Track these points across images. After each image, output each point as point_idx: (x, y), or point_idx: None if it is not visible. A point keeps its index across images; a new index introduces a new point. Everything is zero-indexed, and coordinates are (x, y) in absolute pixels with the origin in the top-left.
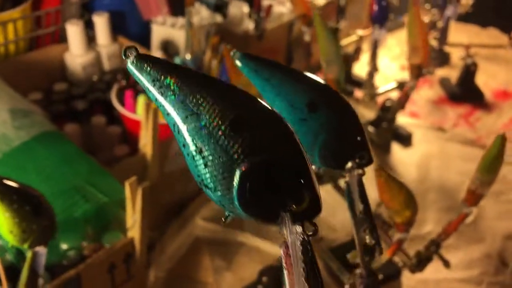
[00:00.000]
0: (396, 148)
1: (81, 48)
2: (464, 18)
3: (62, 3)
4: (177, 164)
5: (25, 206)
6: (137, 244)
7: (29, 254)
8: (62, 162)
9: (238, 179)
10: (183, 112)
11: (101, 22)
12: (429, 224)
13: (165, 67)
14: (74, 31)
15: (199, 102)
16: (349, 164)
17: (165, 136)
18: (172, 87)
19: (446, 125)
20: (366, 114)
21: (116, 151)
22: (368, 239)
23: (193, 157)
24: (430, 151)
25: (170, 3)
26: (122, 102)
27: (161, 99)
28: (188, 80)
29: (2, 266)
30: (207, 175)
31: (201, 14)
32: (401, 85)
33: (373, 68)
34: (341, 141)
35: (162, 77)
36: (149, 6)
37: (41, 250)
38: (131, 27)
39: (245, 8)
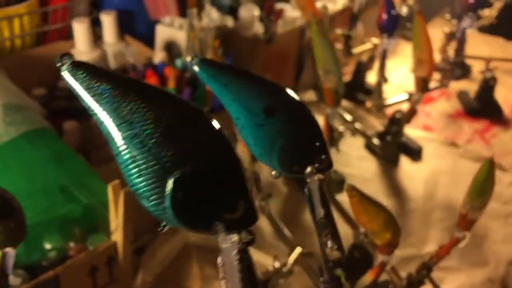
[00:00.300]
0: (404, 162)
1: (87, 46)
2: (489, 30)
3: (69, 0)
4: None
5: None
6: (120, 247)
7: None
8: (49, 161)
9: (170, 188)
10: (116, 120)
11: (108, 20)
12: (431, 244)
13: (98, 75)
14: (80, 28)
15: (132, 110)
16: (308, 169)
17: None
18: (105, 95)
19: (460, 140)
20: (376, 125)
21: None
22: (330, 244)
23: (126, 166)
24: (440, 167)
25: (179, 4)
26: None
27: (95, 107)
28: (122, 87)
29: None
30: (141, 185)
31: (211, 16)
32: (412, 97)
33: (382, 78)
34: (299, 146)
35: (96, 85)
36: (158, 6)
37: (10, 251)
38: (138, 27)
39: (256, 11)
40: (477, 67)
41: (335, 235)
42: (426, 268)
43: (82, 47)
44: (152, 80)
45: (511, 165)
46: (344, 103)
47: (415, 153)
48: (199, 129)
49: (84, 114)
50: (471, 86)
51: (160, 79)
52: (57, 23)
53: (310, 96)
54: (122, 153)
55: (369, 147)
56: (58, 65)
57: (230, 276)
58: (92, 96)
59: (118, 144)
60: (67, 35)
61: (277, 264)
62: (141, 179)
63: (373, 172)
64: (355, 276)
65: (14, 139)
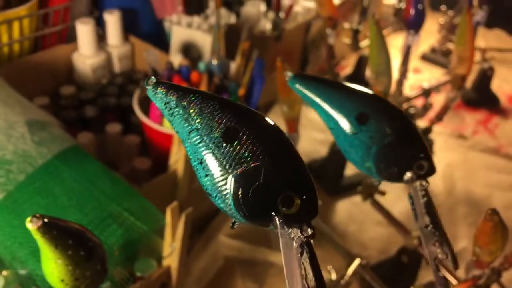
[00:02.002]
0: None
1: (91, 49)
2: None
3: (71, 0)
4: None
5: (80, 252)
6: (174, 273)
7: None
8: (91, 183)
9: (231, 187)
10: (186, 128)
11: (112, 20)
12: (462, 240)
13: (173, 91)
14: (85, 30)
15: (196, 117)
16: (408, 175)
17: None
18: (176, 108)
19: (466, 132)
20: None
21: (137, 164)
22: (439, 253)
23: (197, 169)
24: (453, 161)
25: (184, 1)
26: (144, 111)
27: (171, 119)
28: (187, 98)
29: None
30: (208, 184)
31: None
32: (426, 92)
33: (403, 75)
34: (395, 152)
35: (170, 101)
36: (164, 4)
37: None
38: (142, 26)
39: (262, 7)
40: None
41: (444, 244)
42: (496, 273)
43: (86, 50)
44: None
45: None
46: None
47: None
48: (257, 131)
49: (95, 123)
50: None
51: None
52: (57, 25)
53: None
54: (192, 158)
55: None
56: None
57: (287, 270)
58: (169, 110)
59: (189, 150)
60: (68, 37)
61: (334, 276)
62: (208, 179)
63: None
64: (402, 282)
65: (50, 161)
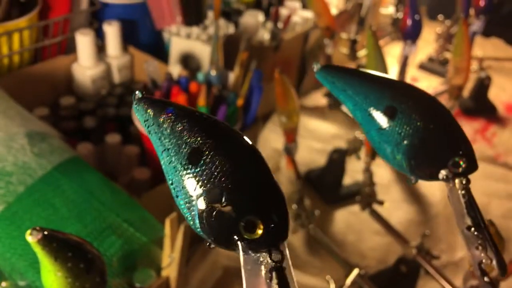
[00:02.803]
0: None
1: (91, 60)
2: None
3: (71, 11)
4: None
5: (79, 264)
6: (173, 283)
7: None
8: (89, 194)
9: (196, 209)
10: (159, 147)
11: (112, 31)
12: (460, 250)
13: (152, 108)
14: (84, 41)
15: (167, 137)
16: (443, 173)
17: None
18: (152, 126)
19: None
20: None
21: (136, 175)
22: (484, 257)
23: (170, 189)
24: None
25: (183, 11)
26: None
27: (149, 136)
28: (162, 115)
29: None
30: (180, 205)
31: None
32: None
33: None
34: (427, 148)
35: (148, 118)
36: (163, 15)
37: None
38: (142, 36)
39: (261, 17)
40: None
41: (489, 248)
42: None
43: (85, 61)
44: (180, 98)
45: None
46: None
47: None
48: (224, 151)
49: (95, 134)
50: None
51: (188, 97)
52: (57, 36)
53: (313, 101)
54: (166, 176)
55: None
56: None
57: None
58: (147, 128)
59: (163, 169)
60: (67, 48)
61: (332, 286)
62: (179, 200)
63: (389, 178)
64: None
65: (49, 172)
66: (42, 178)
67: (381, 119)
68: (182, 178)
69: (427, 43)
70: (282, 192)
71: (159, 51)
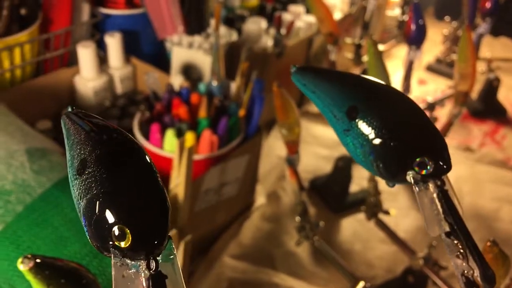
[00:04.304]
0: None
1: (93, 72)
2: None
3: (72, 23)
4: (205, 202)
5: None
6: None
7: None
8: None
9: (82, 218)
10: (67, 161)
11: (113, 43)
12: None
13: (70, 122)
14: (86, 53)
15: (69, 149)
16: (410, 175)
17: (197, 174)
18: (67, 140)
19: (473, 144)
20: None
21: None
22: (466, 267)
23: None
24: (460, 174)
25: (185, 21)
26: (145, 134)
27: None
28: (71, 130)
29: None
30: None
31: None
32: (431, 106)
33: (406, 90)
34: (390, 148)
35: (65, 133)
36: (164, 25)
37: None
38: (144, 47)
39: (263, 24)
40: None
41: (470, 257)
42: None
43: (87, 73)
44: (181, 110)
45: None
46: None
47: None
48: (104, 162)
49: None
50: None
51: (189, 108)
52: (58, 49)
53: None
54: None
55: None
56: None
57: None
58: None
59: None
60: (69, 60)
61: None
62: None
63: (397, 185)
64: None
65: (49, 190)
66: (41, 196)
67: (345, 120)
68: (73, 188)
69: (435, 44)
70: (159, 201)
71: (162, 60)
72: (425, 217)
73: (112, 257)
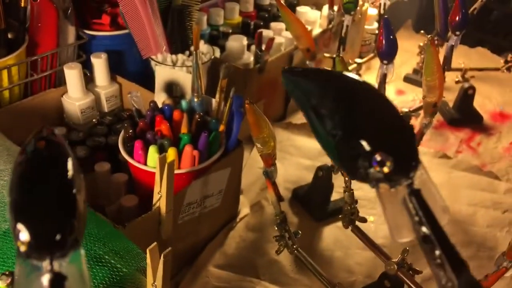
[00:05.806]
0: None
1: (79, 91)
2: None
3: (58, 45)
4: (189, 214)
5: None
6: None
7: None
8: None
9: None
10: None
11: (99, 63)
12: None
13: None
14: (72, 74)
15: None
16: (371, 175)
17: (179, 188)
18: None
19: (449, 151)
20: None
21: (124, 202)
22: (443, 276)
23: None
24: (437, 181)
25: (168, 40)
26: (129, 151)
27: None
28: None
29: None
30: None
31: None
32: (406, 116)
33: None
34: (350, 145)
35: None
36: (148, 44)
37: None
38: (129, 66)
39: (245, 41)
40: (451, 77)
41: (447, 264)
42: None
43: (74, 93)
44: (163, 126)
45: (502, 172)
46: None
47: None
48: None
49: (86, 162)
50: (447, 96)
51: (171, 125)
52: (46, 70)
53: (301, 118)
54: None
55: None
56: None
57: None
58: None
59: None
60: (57, 80)
61: None
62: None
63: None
64: None
65: None
66: None
67: (313, 117)
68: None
69: (413, 55)
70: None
71: (148, 78)
72: (389, 221)
73: (16, 258)
